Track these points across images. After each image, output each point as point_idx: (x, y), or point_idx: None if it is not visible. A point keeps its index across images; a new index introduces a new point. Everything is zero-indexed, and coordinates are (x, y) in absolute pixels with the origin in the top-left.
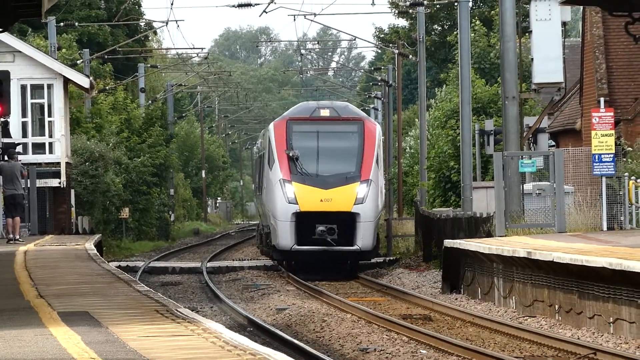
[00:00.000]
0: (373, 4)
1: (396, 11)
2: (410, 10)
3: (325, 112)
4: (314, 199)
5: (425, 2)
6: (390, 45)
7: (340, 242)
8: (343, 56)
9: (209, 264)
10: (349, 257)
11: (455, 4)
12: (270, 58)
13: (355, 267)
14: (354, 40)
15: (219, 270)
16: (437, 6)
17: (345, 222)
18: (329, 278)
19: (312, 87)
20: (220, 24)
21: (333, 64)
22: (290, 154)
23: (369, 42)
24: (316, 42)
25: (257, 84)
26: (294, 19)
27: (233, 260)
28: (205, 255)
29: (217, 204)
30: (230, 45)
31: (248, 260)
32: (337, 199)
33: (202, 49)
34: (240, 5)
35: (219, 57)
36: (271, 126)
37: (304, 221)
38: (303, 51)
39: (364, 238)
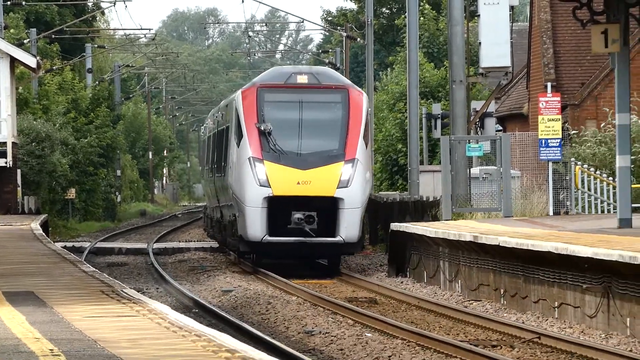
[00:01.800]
0: None
1: None
2: None
3: (302, 79)
4: (290, 182)
5: None
6: (338, 28)
7: (321, 232)
8: (291, 38)
9: (155, 245)
10: (330, 250)
11: None
12: (218, 40)
13: (336, 262)
14: (302, 22)
15: (165, 251)
16: None
17: (327, 209)
18: (307, 276)
19: (260, 69)
20: (168, 4)
21: (281, 46)
22: (262, 128)
23: (317, 24)
24: (264, 24)
25: (204, 65)
26: (242, 1)
27: (179, 241)
28: (151, 236)
29: (164, 185)
30: (178, 27)
31: (194, 241)
32: (317, 182)
33: (149, 29)
34: None
35: (167, 38)
36: (238, 94)
37: (278, 207)
38: (251, 33)
39: (348, 228)
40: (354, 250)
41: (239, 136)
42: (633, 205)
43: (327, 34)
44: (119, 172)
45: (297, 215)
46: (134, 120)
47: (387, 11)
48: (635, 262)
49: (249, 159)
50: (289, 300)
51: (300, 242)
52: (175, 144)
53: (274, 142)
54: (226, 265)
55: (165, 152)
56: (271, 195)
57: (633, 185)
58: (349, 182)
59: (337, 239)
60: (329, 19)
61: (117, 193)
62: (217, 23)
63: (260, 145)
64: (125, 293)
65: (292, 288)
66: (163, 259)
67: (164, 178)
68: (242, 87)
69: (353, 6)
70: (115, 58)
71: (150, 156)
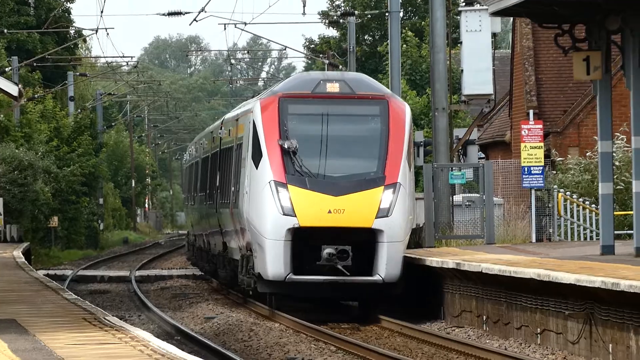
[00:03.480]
0: (304, 13)
1: (327, 21)
2: (341, 20)
3: (333, 87)
4: (319, 210)
5: (356, 12)
6: (321, 55)
7: (356, 270)
8: (273, 66)
9: (138, 273)
10: (366, 291)
11: (386, 14)
12: (200, 67)
13: (371, 304)
14: (284, 50)
15: (148, 279)
16: (368, 16)
17: (363, 242)
18: (338, 320)
19: (242, 97)
20: (150, 32)
21: (263, 74)
22: (286, 146)
23: (299, 52)
24: (246, 52)
25: (186, 93)
26: (225, 28)
27: (162, 269)
28: (134, 264)
29: (147, 213)
30: (160, 54)
31: (177, 269)
32: (351, 211)
33: (131, 57)
34: (170, 14)
35: (149, 65)
36: (255, 105)
37: (305, 241)
38: (233, 61)
39: (388, 265)
40: (395, 291)
41: (257, 155)
42: (616, 232)
43: (310, 61)
44: (101, 201)
45: (328, 250)
46: (116, 149)
47: (370, 38)
48: (618, 289)
49: (269, 183)
50: (271, 327)
51: (332, 281)
52: (158, 172)
53: (300, 162)
54: (208, 293)
55: (147, 180)
56: (297, 226)
57: (615, 213)
58: (389, 211)
59: (375, 278)
60: (312, 46)
61: (99, 221)
62: (199, 51)
63: (284, 167)
64: (108, 320)
65: (275, 315)
66: (145, 287)
67: (147, 206)
68: (259, 96)
69: (335, 34)
70: (97, 86)
71: (133, 184)
